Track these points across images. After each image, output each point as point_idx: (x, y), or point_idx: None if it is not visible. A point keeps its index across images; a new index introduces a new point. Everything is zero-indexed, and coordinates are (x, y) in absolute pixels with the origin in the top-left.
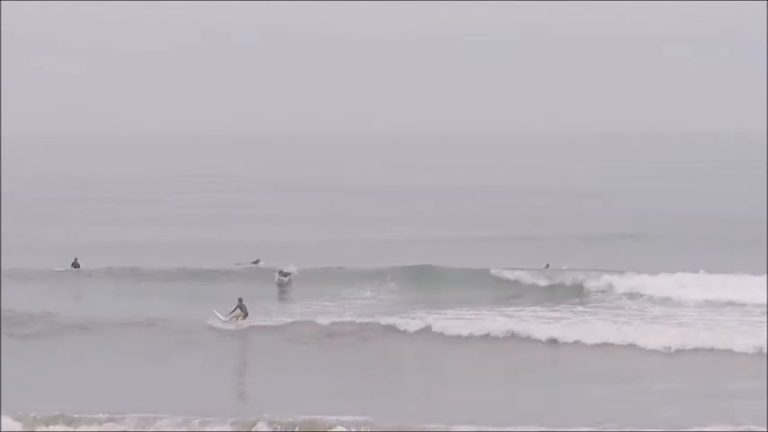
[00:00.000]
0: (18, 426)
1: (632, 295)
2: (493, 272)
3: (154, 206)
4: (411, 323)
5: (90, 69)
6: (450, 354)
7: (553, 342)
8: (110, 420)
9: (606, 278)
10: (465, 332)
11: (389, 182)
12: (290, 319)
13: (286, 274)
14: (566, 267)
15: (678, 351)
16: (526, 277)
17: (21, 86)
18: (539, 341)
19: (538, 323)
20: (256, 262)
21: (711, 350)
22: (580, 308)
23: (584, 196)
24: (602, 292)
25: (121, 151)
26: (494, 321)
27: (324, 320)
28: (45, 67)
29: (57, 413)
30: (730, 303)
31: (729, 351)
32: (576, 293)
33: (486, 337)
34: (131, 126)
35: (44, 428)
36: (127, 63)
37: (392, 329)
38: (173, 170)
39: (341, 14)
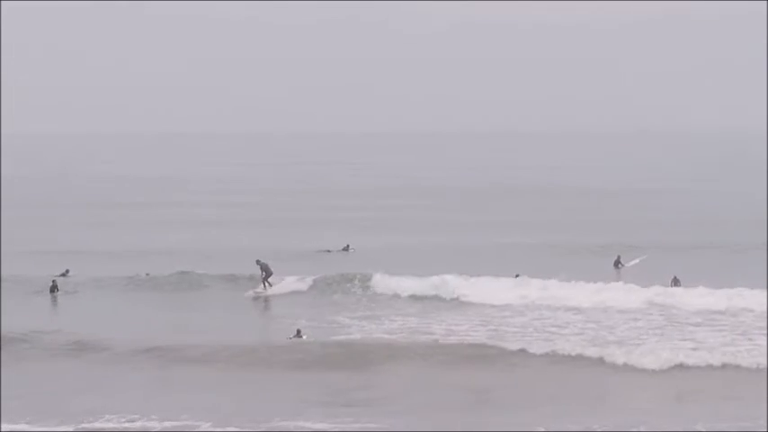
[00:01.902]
0: None
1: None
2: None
3: (137, 209)
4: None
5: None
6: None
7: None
8: None
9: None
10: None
11: (388, 182)
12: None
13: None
14: (637, 260)
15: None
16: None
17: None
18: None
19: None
20: (346, 248)
21: None
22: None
23: (583, 197)
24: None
25: (109, 151)
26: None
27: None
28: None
29: None
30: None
31: None
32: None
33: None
34: (121, 125)
35: None
36: (122, 64)
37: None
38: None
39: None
